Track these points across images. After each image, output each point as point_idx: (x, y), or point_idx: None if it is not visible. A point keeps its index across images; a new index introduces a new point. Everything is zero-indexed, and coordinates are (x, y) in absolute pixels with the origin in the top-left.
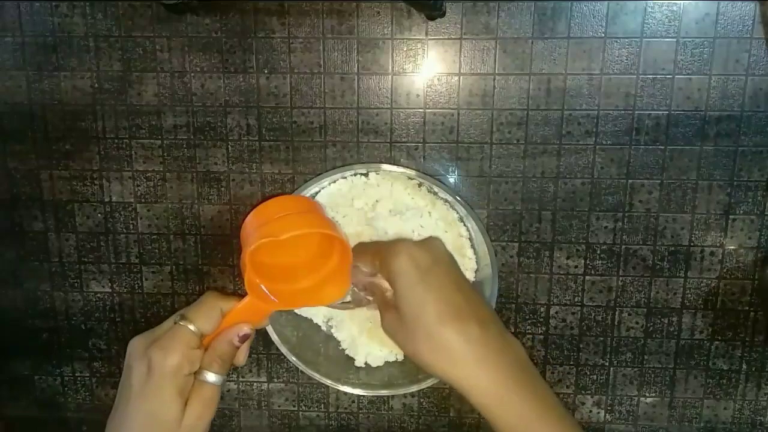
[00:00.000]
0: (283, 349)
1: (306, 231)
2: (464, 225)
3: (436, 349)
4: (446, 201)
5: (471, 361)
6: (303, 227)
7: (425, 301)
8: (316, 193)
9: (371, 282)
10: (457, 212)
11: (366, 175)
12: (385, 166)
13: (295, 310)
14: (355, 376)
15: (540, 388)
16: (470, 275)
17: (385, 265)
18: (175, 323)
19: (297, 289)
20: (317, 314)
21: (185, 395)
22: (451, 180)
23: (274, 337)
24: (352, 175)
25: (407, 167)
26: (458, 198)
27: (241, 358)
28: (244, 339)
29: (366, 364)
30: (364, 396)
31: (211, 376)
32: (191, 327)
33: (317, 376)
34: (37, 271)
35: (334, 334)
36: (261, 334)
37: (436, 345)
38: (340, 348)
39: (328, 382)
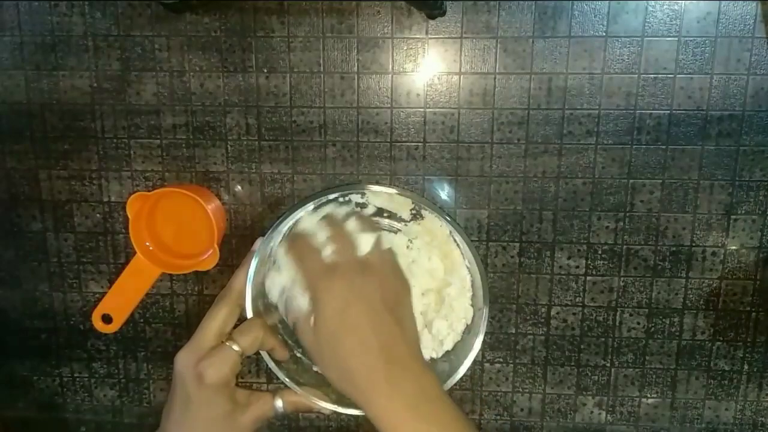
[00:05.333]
0: (281, 375)
1: (169, 190)
2: (453, 240)
3: (343, 378)
4: (436, 216)
5: (374, 394)
6: (173, 189)
7: (337, 338)
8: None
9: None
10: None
11: (362, 194)
12: (373, 187)
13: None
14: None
15: (445, 419)
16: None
17: (310, 293)
18: (223, 342)
19: (177, 252)
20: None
21: (234, 401)
22: (446, 192)
23: (271, 364)
24: (342, 198)
25: (395, 186)
26: (447, 218)
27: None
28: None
29: None
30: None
31: None
32: (236, 347)
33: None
34: (36, 271)
35: None
36: None
37: (344, 375)
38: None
39: (330, 406)
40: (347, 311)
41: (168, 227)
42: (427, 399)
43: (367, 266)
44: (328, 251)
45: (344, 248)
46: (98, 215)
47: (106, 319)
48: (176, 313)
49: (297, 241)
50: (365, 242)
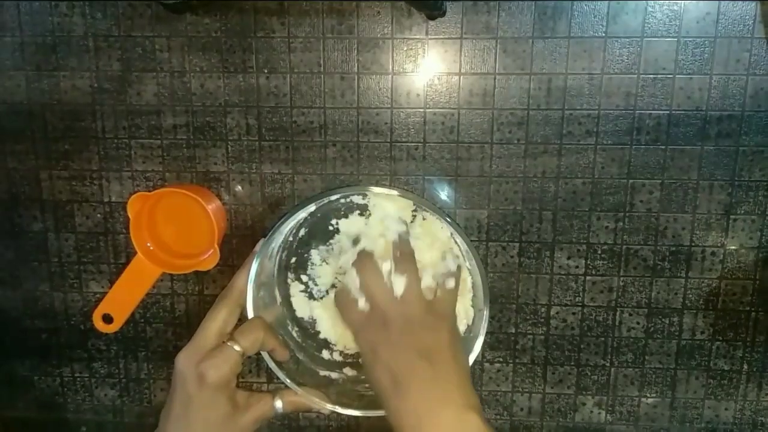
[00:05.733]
0: (281, 375)
1: (170, 190)
2: (454, 241)
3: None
4: (437, 217)
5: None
6: (173, 189)
7: (374, 370)
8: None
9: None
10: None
11: (363, 195)
12: (374, 189)
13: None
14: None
15: None
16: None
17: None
18: (224, 343)
19: (177, 252)
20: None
21: (234, 402)
22: (446, 192)
23: (271, 365)
24: (343, 199)
25: (396, 187)
26: (448, 219)
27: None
28: None
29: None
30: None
31: None
32: (237, 348)
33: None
34: (37, 271)
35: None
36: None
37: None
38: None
39: (330, 407)
40: (379, 350)
41: (168, 227)
42: None
43: (399, 316)
44: (361, 302)
45: (375, 296)
46: (99, 215)
47: (107, 319)
48: (177, 313)
49: (339, 293)
50: (398, 285)
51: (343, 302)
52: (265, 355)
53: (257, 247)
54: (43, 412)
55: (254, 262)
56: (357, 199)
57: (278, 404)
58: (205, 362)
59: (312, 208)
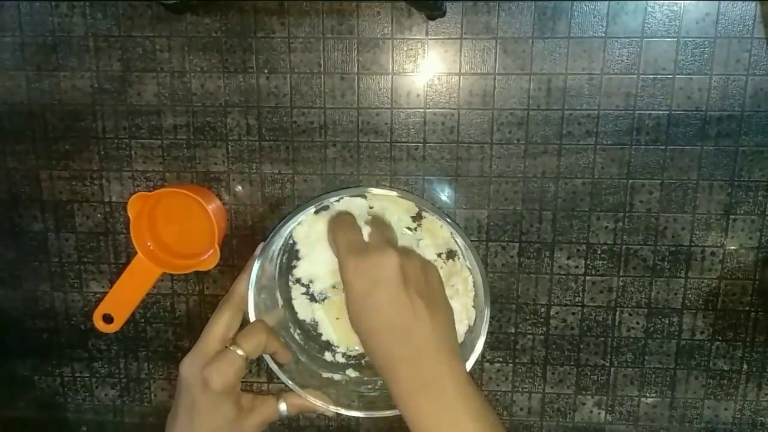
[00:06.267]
0: (283, 377)
1: (170, 190)
2: (454, 241)
3: (372, 354)
4: (437, 217)
5: (394, 377)
6: (173, 189)
7: (364, 316)
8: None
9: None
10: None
11: (363, 196)
12: (374, 189)
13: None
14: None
15: (471, 411)
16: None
17: (339, 268)
18: (227, 347)
19: (177, 252)
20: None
21: (238, 405)
22: (446, 193)
23: (274, 367)
24: (339, 200)
25: (396, 188)
26: (448, 219)
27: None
28: None
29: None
30: (365, 417)
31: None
32: (240, 352)
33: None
34: (37, 271)
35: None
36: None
37: (374, 350)
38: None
39: (333, 408)
40: (373, 291)
41: (169, 227)
42: (454, 388)
43: (395, 248)
44: (366, 232)
45: (382, 232)
46: (99, 215)
47: (107, 318)
48: (177, 313)
49: (338, 217)
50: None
51: (341, 223)
52: (267, 357)
53: (257, 251)
54: (44, 412)
55: (255, 265)
56: (357, 200)
57: (282, 407)
58: (209, 367)
59: (312, 210)
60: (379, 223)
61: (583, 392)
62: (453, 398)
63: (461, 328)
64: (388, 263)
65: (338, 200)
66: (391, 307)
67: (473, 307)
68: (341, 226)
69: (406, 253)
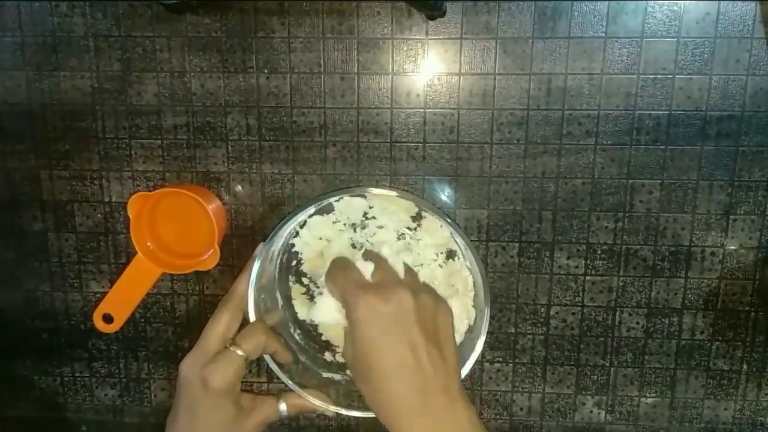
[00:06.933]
0: (284, 377)
1: (170, 190)
2: (454, 241)
3: (375, 398)
4: (437, 217)
5: (405, 424)
6: (173, 188)
7: (374, 358)
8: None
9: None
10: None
11: (363, 196)
12: (374, 190)
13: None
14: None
15: None
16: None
17: (346, 308)
18: (227, 347)
19: (177, 252)
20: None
21: (238, 405)
22: (446, 193)
23: (274, 367)
24: (339, 199)
25: (396, 187)
26: (448, 219)
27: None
28: None
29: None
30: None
31: None
32: (240, 352)
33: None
34: (37, 271)
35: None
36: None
37: (376, 395)
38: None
39: (334, 408)
40: (387, 331)
41: (169, 227)
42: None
43: (407, 286)
44: (369, 273)
45: (387, 268)
46: (99, 215)
47: (107, 318)
48: (177, 312)
49: (337, 262)
50: (400, 268)
51: (341, 266)
52: (267, 357)
53: (257, 251)
54: (44, 412)
55: (255, 265)
56: (357, 200)
57: (282, 407)
58: (208, 367)
59: (311, 210)
60: (378, 258)
61: (583, 392)
62: None
63: (461, 328)
64: (403, 300)
65: (338, 200)
66: (404, 348)
67: (473, 306)
68: (339, 266)
69: (418, 290)
